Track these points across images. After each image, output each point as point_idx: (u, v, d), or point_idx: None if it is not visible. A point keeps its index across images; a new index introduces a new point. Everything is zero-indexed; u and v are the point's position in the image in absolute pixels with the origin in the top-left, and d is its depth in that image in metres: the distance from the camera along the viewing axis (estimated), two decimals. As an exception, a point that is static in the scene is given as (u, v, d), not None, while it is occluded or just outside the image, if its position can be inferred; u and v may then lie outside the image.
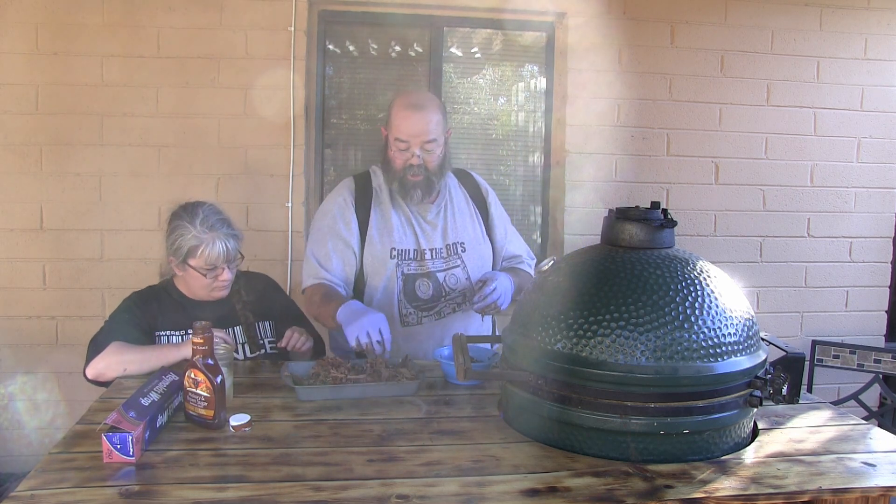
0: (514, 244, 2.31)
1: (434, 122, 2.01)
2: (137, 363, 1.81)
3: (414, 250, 2.10)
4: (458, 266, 2.13)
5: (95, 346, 1.86)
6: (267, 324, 2.13)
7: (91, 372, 1.82)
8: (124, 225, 3.01)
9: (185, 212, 1.99)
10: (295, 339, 1.98)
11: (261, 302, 2.13)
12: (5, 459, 3.05)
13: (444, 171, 2.10)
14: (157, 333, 2.00)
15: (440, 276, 2.10)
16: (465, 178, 2.26)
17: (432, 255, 2.11)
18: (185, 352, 1.80)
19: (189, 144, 3.01)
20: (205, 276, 1.97)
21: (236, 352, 2.02)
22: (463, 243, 2.15)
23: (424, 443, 1.42)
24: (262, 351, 2.07)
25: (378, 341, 1.78)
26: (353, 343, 1.80)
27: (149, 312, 2.00)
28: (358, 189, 2.14)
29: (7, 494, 1.40)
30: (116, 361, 1.80)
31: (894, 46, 3.38)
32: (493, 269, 2.24)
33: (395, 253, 2.08)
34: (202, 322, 1.52)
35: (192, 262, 1.96)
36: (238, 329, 2.06)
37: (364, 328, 1.78)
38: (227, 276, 2.00)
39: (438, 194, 2.14)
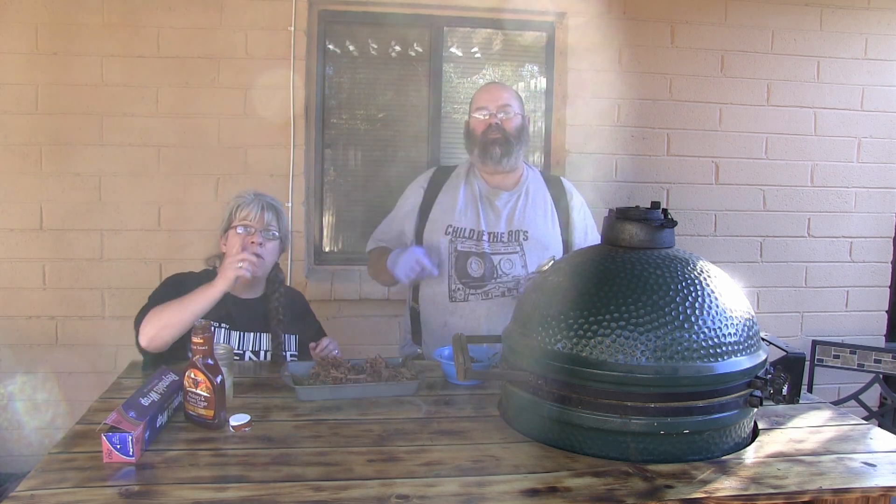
0: None
1: (509, 94, 2.25)
2: (177, 313, 1.82)
3: (471, 230, 2.19)
4: (516, 252, 2.18)
5: (141, 317, 1.87)
6: (293, 338, 2.12)
7: (144, 339, 1.84)
8: (124, 225, 3.01)
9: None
10: (329, 347, 2.01)
11: (293, 317, 2.13)
12: (5, 459, 3.05)
13: (522, 140, 2.22)
14: None
15: (495, 258, 2.17)
16: (553, 181, 2.35)
17: (491, 238, 2.18)
18: (220, 288, 1.84)
19: (189, 144, 3.01)
20: (236, 231, 1.99)
21: (256, 356, 2.03)
22: (526, 232, 2.20)
23: (424, 443, 1.42)
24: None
25: (420, 269, 2.04)
26: (405, 280, 2.08)
27: (191, 290, 1.99)
28: (437, 173, 2.35)
29: (7, 494, 1.40)
30: (159, 317, 1.83)
31: (894, 46, 3.38)
32: None
33: (450, 230, 2.19)
34: (202, 322, 1.52)
35: (233, 224, 2.01)
36: (266, 336, 2.06)
37: (406, 266, 2.05)
38: (258, 239, 1.99)
39: (518, 181, 2.25)
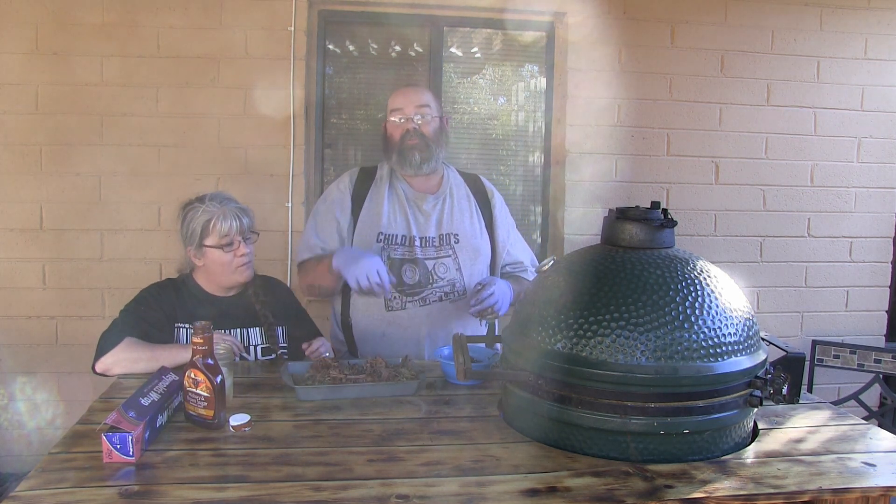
0: (518, 250, 2.31)
1: (426, 95, 2.19)
2: (145, 362, 1.81)
3: (403, 236, 2.13)
4: (449, 256, 2.15)
5: (106, 341, 1.85)
6: (279, 329, 2.11)
7: (100, 367, 1.83)
8: (124, 225, 3.01)
9: (194, 199, 2.05)
10: (320, 350, 1.99)
11: (278, 306, 2.12)
12: (5, 459, 3.05)
13: (441, 142, 2.17)
14: (176, 325, 1.99)
15: (429, 263, 2.13)
16: (472, 180, 2.32)
17: (423, 244, 2.13)
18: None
19: (189, 144, 3.01)
20: (223, 251, 1.97)
21: (247, 353, 2.02)
22: (457, 235, 2.17)
23: (424, 443, 1.42)
24: (273, 355, 2.06)
25: (378, 283, 1.89)
26: (354, 286, 1.91)
27: (166, 303, 2.00)
28: (360, 177, 2.24)
29: (7, 494, 1.40)
30: (125, 359, 1.82)
31: (894, 46, 3.38)
32: (492, 270, 2.26)
33: (381, 237, 2.12)
34: (202, 322, 1.52)
35: (207, 241, 1.98)
36: (256, 330, 2.06)
37: (364, 271, 1.89)
38: (244, 249, 2.01)
39: (440, 183, 2.21)
